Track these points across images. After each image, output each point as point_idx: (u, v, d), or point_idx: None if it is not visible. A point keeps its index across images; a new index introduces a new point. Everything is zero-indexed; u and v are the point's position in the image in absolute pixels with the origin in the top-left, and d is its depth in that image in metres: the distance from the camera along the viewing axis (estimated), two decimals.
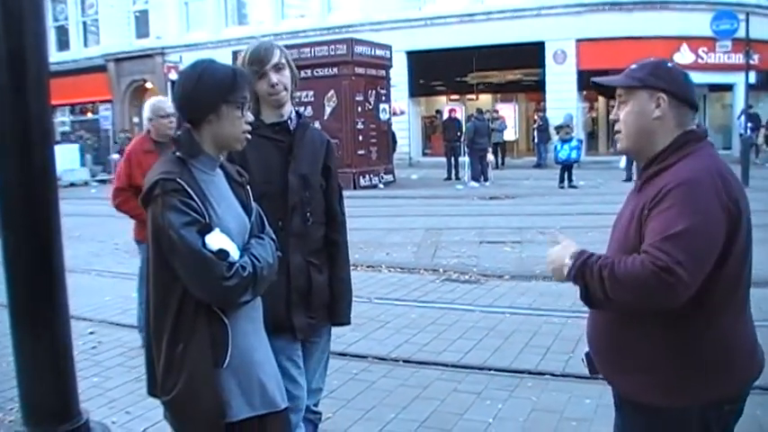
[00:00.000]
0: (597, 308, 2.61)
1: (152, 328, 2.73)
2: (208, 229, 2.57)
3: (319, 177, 3.48)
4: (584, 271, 2.45)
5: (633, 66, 2.71)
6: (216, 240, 2.56)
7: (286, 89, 3.38)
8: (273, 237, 2.93)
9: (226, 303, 2.64)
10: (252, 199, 2.92)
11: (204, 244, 2.54)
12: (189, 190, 2.58)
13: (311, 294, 3.41)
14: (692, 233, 2.32)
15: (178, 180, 2.58)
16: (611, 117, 2.79)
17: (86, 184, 28.05)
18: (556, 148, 21.44)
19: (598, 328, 2.73)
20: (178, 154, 2.71)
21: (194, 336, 2.61)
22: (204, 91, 2.67)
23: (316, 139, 3.50)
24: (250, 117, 2.81)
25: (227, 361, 2.64)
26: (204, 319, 2.62)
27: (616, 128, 2.73)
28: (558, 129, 22.32)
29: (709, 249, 2.36)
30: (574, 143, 21.03)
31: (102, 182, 28.13)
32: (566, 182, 20.61)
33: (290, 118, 3.39)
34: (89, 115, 37.61)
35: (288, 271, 3.26)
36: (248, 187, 2.93)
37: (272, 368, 2.87)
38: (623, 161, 21.29)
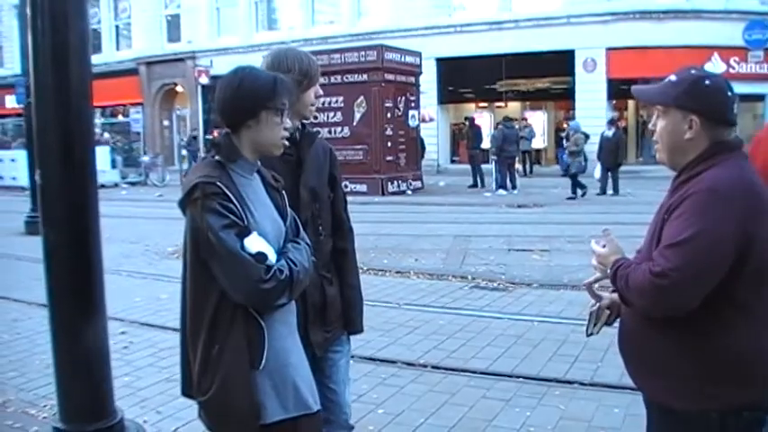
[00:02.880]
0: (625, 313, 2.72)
1: (188, 329, 2.76)
2: (247, 232, 2.61)
3: (326, 188, 3.46)
4: (615, 280, 2.61)
5: (672, 77, 2.67)
6: (254, 243, 2.60)
7: None
8: (308, 242, 2.96)
9: (263, 306, 2.67)
10: (287, 204, 2.96)
11: (243, 247, 2.58)
12: (228, 193, 2.62)
13: (326, 308, 3.40)
14: (695, 241, 2.36)
15: (218, 183, 2.61)
16: (650, 126, 2.79)
17: (116, 185, 28.29)
18: (564, 158, 21.24)
19: (627, 333, 2.78)
20: (217, 158, 2.76)
21: (231, 337, 2.64)
22: (245, 96, 2.71)
23: (320, 150, 3.47)
24: (288, 123, 2.85)
25: (263, 363, 2.67)
26: (241, 321, 2.65)
27: (654, 138, 2.75)
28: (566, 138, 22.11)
29: (712, 258, 2.38)
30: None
31: (133, 184, 28.39)
32: (578, 192, 20.41)
33: (296, 129, 3.33)
34: (120, 118, 37.92)
35: None
36: (284, 192, 2.97)
37: (305, 371, 2.89)
38: (597, 171, 21.16)
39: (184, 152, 34.23)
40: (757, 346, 2.53)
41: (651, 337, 2.63)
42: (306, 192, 3.30)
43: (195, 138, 34.46)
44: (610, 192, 20.79)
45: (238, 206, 2.63)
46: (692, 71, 2.65)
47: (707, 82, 2.58)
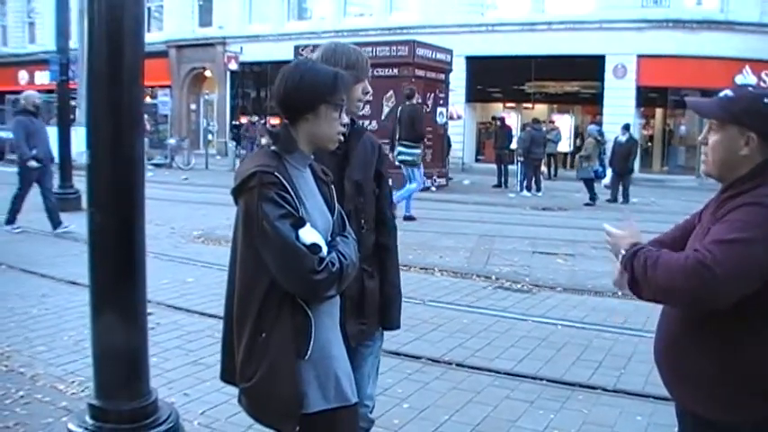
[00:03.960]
0: (638, 294, 2.65)
1: (235, 314, 2.79)
2: (302, 222, 2.65)
3: (372, 183, 3.49)
4: (633, 259, 2.58)
5: (729, 93, 2.69)
6: (309, 234, 2.64)
7: None
8: (355, 237, 3.00)
9: (313, 296, 2.71)
10: (335, 198, 3.00)
11: (298, 237, 2.62)
12: (285, 183, 2.67)
13: (364, 301, 3.42)
14: (741, 244, 2.38)
15: (275, 173, 2.66)
16: (700, 139, 2.80)
17: (144, 168, 28.39)
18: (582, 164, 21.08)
19: (663, 340, 2.79)
20: (273, 148, 2.81)
21: (278, 325, 2.68)
22: (305, 90, 2.76)
23: (368, 145, 3.51)
24: (345, 119, 2.89)
25: (308, 353, 2.71)
26: (288, 311, 2.69)
27: (703, 150, 2.76)
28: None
29: (752, 265, 2.40)
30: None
31: (158, 165, 28.55)
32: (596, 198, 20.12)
33: (346, 125, 3.41)
34: (147, 100, 38.12)
35: None
36: (332, 186, 3.01)
37: (345, 363, 2.93)
38: (607, 178, 21.01)
39: (209, 137, 34.37)
40: None
41: (687, 348, 2.65)
42: (350, 185, 3.34)
43: (254, 123, 34.46)
44: (620, 200, 20.52)
45: (294, 197, 2.67)
46: (750, 88, 2.69)
47: (766, 100, 2.60)
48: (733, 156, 2.63)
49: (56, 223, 12.46)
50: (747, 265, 2.40)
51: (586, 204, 19.48)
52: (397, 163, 14.98)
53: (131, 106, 3.66)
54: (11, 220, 12.48)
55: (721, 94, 2.71)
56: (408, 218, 14.88)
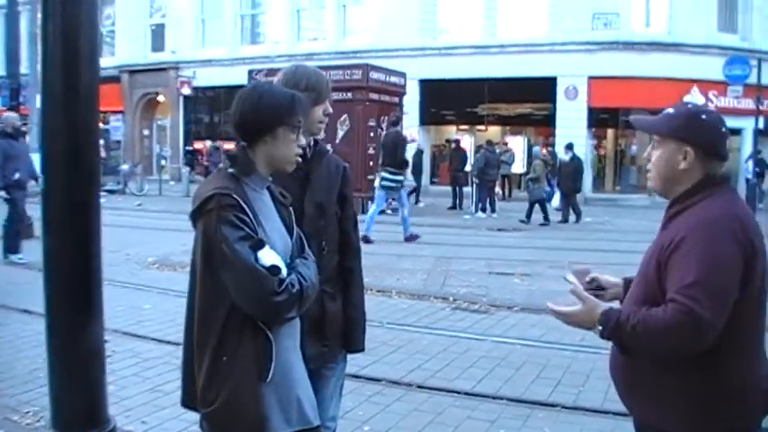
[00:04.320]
0: (631, 355, 2.70)
1: (196, 339, 2.77)
2: (261, 244, 2.64)
3: (335, 205, 3.48)
4: (618, 333, 2.60)
5: (670, 110, 2.77)
6: (268, 256, 2.64)
7: None
8: (314, 258, 3.00)
9: (274, 318, 2.70)
10: (294, 220, 3.00)
11: (257, 259, 2.61)
12: (243, 205, 2.66)
13: (324, 323, 3.40)
14: (712, 278, 2.43)
15: (234, 195, 2.65)
16: (645, 155, 2.88)
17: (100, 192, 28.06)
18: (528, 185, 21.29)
19: (619, 361, 2.81)
20: (231, 170, 2.80)
21: (239, 349, 2.66)
22: (263, 112, 2.76)
23: (332, 167, 3.51)
24: (303, 141, 2.90)
25: (270, 376, 2.70)
26: (250, 333, 2.67)
27: (648, 167, 2.83)
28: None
29: (727, 292, 2.46)
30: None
31: (111, 192, 28.19)
32: (539, 215, 20.22)
33: (308, 145, 3.37)
34: (100, 125, 37.73)
35: None
36: (291, 209, 3.01)
37: (307, 385, 2.92)
38: (556, 199, 21.24)
39: (163, 163, 34.08)
40: (750, 372, 2.62)
41: (646, 364, 2.68)
42: (311, 207, 3.34)
43: (217, 149, 34.24)
44: (572, 218, 20.70)
45: (253, 219, 2.67)
46: (690, 105, 2.78)
47: (703, 116, 2.69)
48: (673, 170, 2.70)
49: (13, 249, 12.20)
50: (722, 295, 2.45)
51: (542, 225, 19.63)
52: (379, 188, 15.60)
53: (88, 130, 3.63)
54: (13, 249, 12.19)
55: (665, 111, 2.79)
56: (409, 238, 15.50)
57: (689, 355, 2.54)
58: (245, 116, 2.79)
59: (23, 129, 14.42)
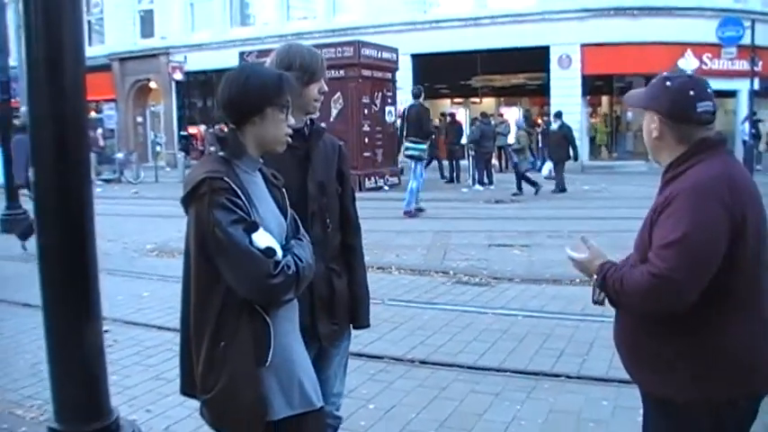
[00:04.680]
0: (620, 310, 2.79)
1: (193, 326, 2.74)
2: (255, 227, 2.61)
3: (335, 183, 3.48)
4: (604, 286, 2.69)
5: (654, 79, 2.79)
6: (263, 239, 2.60)
7: None
8: (309, 239, 2.97)
9: (270, 301, 2.67)
10: (288, 202, 2.96)
11: (251, 242, 2.58)
12: (236, 188, 2.62)
13: (334, 301, 3.41)
14: (689, 239, 2.44)
15: (225, 179, 2.61)
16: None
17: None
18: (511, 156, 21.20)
19: (622, 327, 2.83)
20: (222, 154, 2.76)
21: (237, 334, 2.63)
22: (251, 93, 2.72)
23: (329, 145, 3.50)
24: (292, 121, 2.85)
25: (269, 359, 2.67)
26: (247, 318, 2.65)
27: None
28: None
29: (707, 255, 2.46)
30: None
31: (107, 181, 28.13)
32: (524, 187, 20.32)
33: (306, 124, 3.38)
34: (92, 114, 37.59)
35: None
36: (284, 190, 2.97)
37: (308, 367, 2.90)
38: (546, 168, 21.23)
39: (158, 149, 34.07)
40: (749, 338, 2.60)
41: (646, 331, 2.69)
42: (313, 185, 3.32)
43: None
44: (555, 188, 20.54)
45: (245, 202, 2.63)
46: (664, 74, 2.76)
47: (668, 83, 2.69)
48: (650, 138, 2.75)
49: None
50: (699, 257, 2.45)
51: (514, 195, 19.63)
52: (404, 157, 16.54)
53: (76, 120, 3.59)
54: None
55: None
56: (408, 213, 15.81)
57: (685, 323, 2.54)
58: (233, 98, 2.74)
59: (15, 122, 14.24)
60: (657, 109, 2.68)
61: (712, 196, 2.48)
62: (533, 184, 19.98)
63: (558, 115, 21.36)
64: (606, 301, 2.75)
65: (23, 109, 12.51)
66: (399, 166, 23.87)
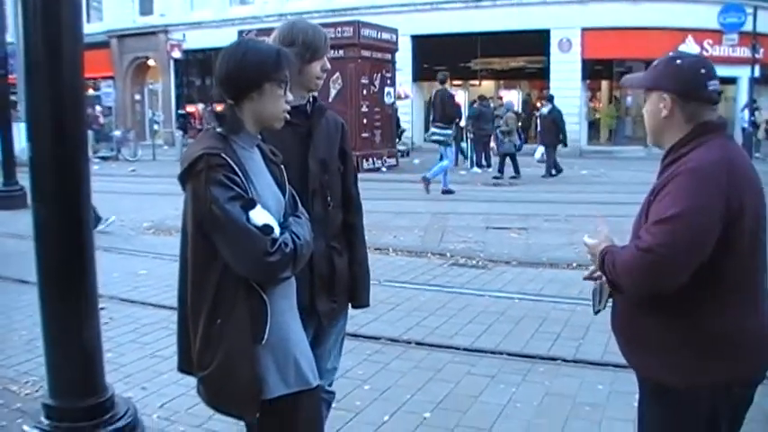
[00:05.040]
0: (622, 294, 2.75)
1: (189, 304, 2.72)
2: (252, 204, 2.59)
3: (337, 161, 3.46)
4: (603, 267, 2.67)
5: (655, 62, 2.76)
6: (260, 216, 2.58)
7: None
8: (308, 216, 2.95)
9: (268, 278, 2.66)
10: (286, 179, 2.94)
11: (249, 219, 2.56)
12: (233, 165, 2.60)
13: (334, 280, 3.41)
14: (681, 218, 2.42)
15: (223, 155, 2.59)
16: (644, 110, 2.86)
17: (88, 160, 27.91)
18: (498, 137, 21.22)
19: (619, 312, 2.82)
20: (219, 130, 2.73)
21: (234, 312, 2.62)
22: (249, 68, 2.69)
23: (331, 123, 3.48)
24: (290, 96, 2.83)
25: (265, 337, 2.66)
26: (244, 296, 2.63)
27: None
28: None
29: (696, 236, 2.44)
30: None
31: (105, 158, 28.08)
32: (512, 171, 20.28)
33: (308, 101, 3.37)
34: (90, 92, 37.42)
35: (311, 257, 3.17)
36: (282, 167, 2.95)
37: (304, 345, 2.89)
38: (538, 152, 21.21)
39: (155, 127, 33.98)
40: (745, 322, 2.60)
41: (643, 316, 2.68)
42: (315, 163, 3.31)
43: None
44: (552, 171, 20.57)
45: (243, 178, 2.61)
46: (670, 53, 2.74)
47: (678, 61, 2.67)
48: (657, 120, 2.70)
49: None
50: (689, 237, 2.43)
51: (512, 178, 19.62)
52: (431, 141, 17.26)
53: (73, 97, 3.56)
54: None
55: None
56: (446, 191, 16.44)
57: (682, 308, 2.54)
58: (231, 73, 2.71)
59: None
60: (668, 87, 2.63)
61: (709, 181, 2.47)
62: (516, 169, 20.06)
63: (550, 99, 21.34)
64: (606, 304, 2.81)
65: None
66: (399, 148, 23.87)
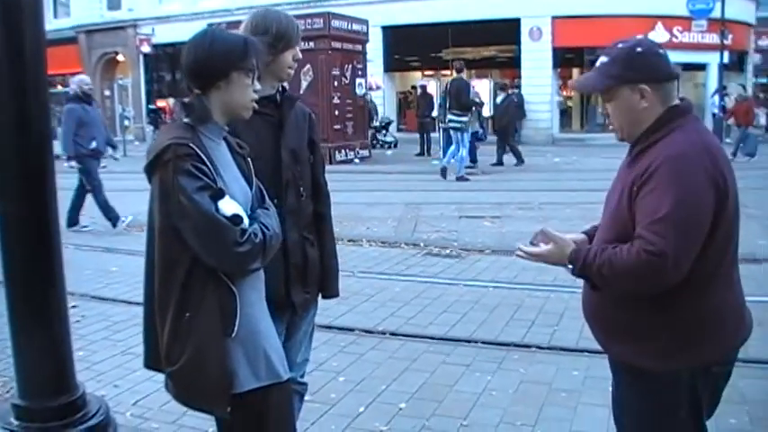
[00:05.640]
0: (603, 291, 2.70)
1: (157, 297, 2.69)
2: (221, 194, 2.55)
3: (306, 151, 3.45)
4: (585, 272, 2.61)
5: (603, 59, 2.69)
6: (229, 206, 2.55)
7: None
8: (275, 209, 2.92)
9: (237, 269, 2.63)
10: (253, 171, 2.90)
11: (217, 209, 2.53)
12: (201, 155, 2.56)
13: (307, 270, 3.40)
14: (681, 213, 2.39)
15: (190, 145, 2.55)
16: (602, 111, 2.83)
17: (58, 157, 27.59)
18: None
19: (592, 297, 2.79)
20: (186, 120, 2.69)
21: (202, 305, 2.59)
22: (216, 57, 2.65)
23: (299, 113, 3.46)
24: (258, 86, 2.79)
25: (235, 330, 2.63)
26: (212, 288, 2.60)
27: (609, 122, 2.79)
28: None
29: (698, 226, 2.43)
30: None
31: None
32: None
33: (277, 91, 3.34)
34: (58, 88, 37.01)
35: (285, 248, 3.20)
36: (249, 159, 2.91)
37: (274, 338, 2.86)
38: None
39: (126, 123, 33.70)
40: (722, 303, 2.61)
41: (620, 302, 2.66)
42: (287, 153, 3.29)
43: None
44: (513, 162, 20.55)
45: (211, 169, 2.57)
46: (620, 45, 2.69)
47: (639, 49, 2.63)
48: (635, 113, 2.64)
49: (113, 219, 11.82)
50: (693, 229, 2.42)
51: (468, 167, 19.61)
52: (448, 128, 17.81)
53: (37, 90, 3.48)
54: (113, 219, 11.81)
55: (597, 63, 2.73)
56: (461, 178, 17.06)
57: (666, 292, 2.51)
58: (198, 62, 2.68)
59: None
60: (643, 78, 2.59)
61: (695, 164, 2.45)
62: (474, 158, 20.04)
63: (503, 88, 21.50)
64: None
65: (78, 78, 12.02)
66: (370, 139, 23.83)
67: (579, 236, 2.94)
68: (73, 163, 11.33)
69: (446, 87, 18.39)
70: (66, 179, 16.47)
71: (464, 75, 18.66)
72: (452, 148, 17.55)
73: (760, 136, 22.68)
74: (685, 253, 2.41)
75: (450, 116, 17.56)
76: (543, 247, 2.73)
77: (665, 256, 2.37)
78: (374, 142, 27.44)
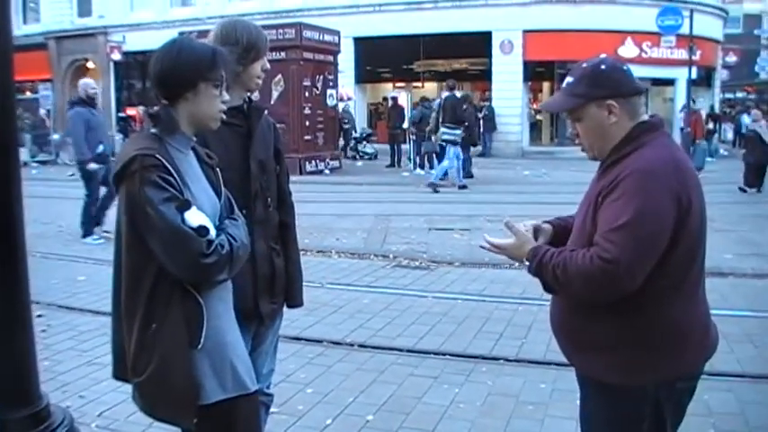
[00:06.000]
0: (558, 296, 2.75)
1: (123, 308, 2.67)
2: (187, 205, 2.54)
3: (273, 161, 3.46)
4: (540, 271, 2.62)
5: (569, 79, 2.73)
6: (195, 217, 2.53)
7: None
8: (244, 220, 2.91)
9: (203, 280, 2.61)
10: (221, 182, 2.89)
11: (184, 220, 2.51)
12: (168, 166, 2.55)
13: (275, 280, 3.41)
14: (639, 223, 2.41)
15: (157, 156, 2.54)
16: (571, 134, 2.85)
17: (26, 165, 27.38)
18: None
19: (559, 310, 2.82)
20: (153, 131, 2.67)
21: (168, 316, 2.57)
22: (183, 67, 2.64)
23: (264, 123, 3.46)
24: (226, 96, 2.78)
25: (201, 342, 2.61)
26: (179, 299, 2.58)
27: (579, 142, 2.80)
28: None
29: (656, 239, 2.45)
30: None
31: (43, 163, 27.52)
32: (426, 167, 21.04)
33: (244, 101, 3.34)
34: (27, 94, 36.65)
35: (254, 259, 3.20)
36: (218, 170, 2.90)
37: (242, 350, 2.85)
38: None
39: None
40: (687, 318, 2.62)
41: (584, 314, 2.67)
42: (255, 164, 3.29)
43: None
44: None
45: (177, 180, 2.56)
46: (584, 65, 2.72)
47: (602, 67, 2.66)
48: (604, 129, 2.66)
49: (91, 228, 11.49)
50: (649, 241, 2.44)
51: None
52: (441, 142, 18.46)
53: (3, 96, 3.44)
54: (88, 232, 11.45)
55: (564, 84, 2.76)
56: (462, 186, 17.95)
57: (622, 306, 2.53)
58: (165, 72, 2.66)
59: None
60: (610, 93, 2.62)
61: (661, 180, 2.47)
62: (432, 167, 20.29)
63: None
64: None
65: (84, 81, 11.78)
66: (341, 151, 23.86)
67: (545, 225, 2.97)
68: (92, 165, 11.03)
69: (439, 103, 19.19)
70: (40, 186, 16.30)
71: (456, 92, 19.66)
72: (446, 162, 18.25)
73: (726, 150, 22.89)
74: (639, 263, 2.43)
75: (443, 129, 18.24)
76: (505, 241, 2.78)
77: (617, 263, 2.40)
78: (353, 153, 27.50)
